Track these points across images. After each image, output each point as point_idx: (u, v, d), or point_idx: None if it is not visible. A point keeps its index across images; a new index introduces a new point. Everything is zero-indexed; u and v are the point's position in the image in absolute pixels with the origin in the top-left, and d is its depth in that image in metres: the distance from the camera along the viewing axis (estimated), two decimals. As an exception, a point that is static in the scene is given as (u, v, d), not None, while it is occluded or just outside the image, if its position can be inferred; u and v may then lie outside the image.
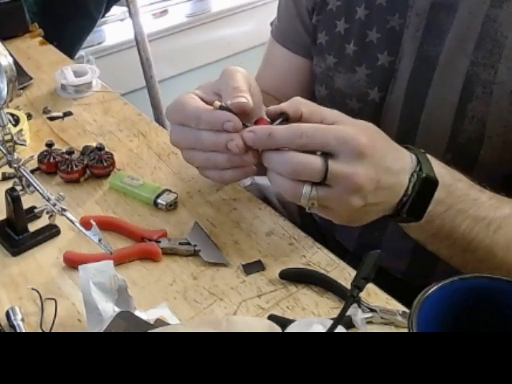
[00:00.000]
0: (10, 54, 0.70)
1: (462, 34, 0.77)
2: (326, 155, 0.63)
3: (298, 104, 0.67)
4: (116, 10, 2.17)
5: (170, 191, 0.86)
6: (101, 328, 0.62)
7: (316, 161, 0.63)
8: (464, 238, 0.70)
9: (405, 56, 0.81)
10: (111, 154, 0.91)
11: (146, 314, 0.67)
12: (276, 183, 0.65)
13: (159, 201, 0.84)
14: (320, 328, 0.60)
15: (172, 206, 0.85)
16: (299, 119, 0.66)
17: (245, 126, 0.67)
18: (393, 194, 0.67)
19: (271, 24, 0.98)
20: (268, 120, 0.68)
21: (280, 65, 0.94)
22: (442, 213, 0.68)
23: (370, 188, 0.64)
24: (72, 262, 0.75)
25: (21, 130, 0.94)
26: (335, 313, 0.69)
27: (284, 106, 0.67)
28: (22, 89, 1.11)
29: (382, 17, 0.82)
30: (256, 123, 0.68)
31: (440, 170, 0.69)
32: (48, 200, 0.73)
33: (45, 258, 0.77)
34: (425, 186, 0.67)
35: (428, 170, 0.67)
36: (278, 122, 0.67)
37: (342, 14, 0.85)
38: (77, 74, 1.11)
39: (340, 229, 0.98)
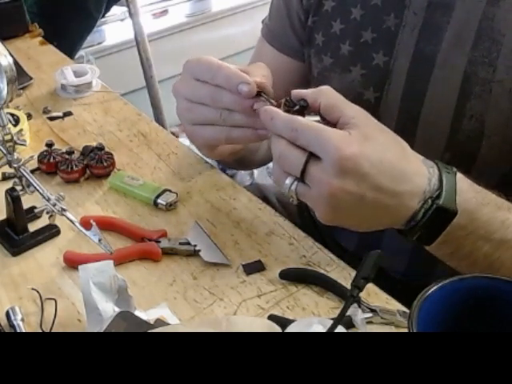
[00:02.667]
0: (10, 54, 0.70)
1: (459, 32, 0.76)
2: (314, 155, 0.62)
3: (319, 94, 0.65)
4: (116, 10, 2.17)
5: (169, 191, 0.86)
6: (101, 328, 0.61)
7: (297, 156, 0.62)
8: (485, 259, 0.67)
9: (400, 56, 0.81)
10: (111, 154, 0.91)
11: (146, 314, 0.67)
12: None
13: (159, 201, 0.84)
14: (320, 328, 0.60)
15: (172, 206, 0.85)
16: (318, 109, 0.65)
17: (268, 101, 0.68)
18: (391, 215, 0.64)
19: (262, 22, 0.99)
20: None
21: (265, 62, 0.95)
22: (461, 237, 0.65)
23: (349, 201, 0.62)
24: (72, 262, 0.75)
25: (21, 130, 0.94)
26: (335, 313, 0.69)
27: (307, 92, 0.66)
28: (22, 89, 1.11)
29: (377, 17, 0.81)
30: (279, 106, 0.67)
31: (466, 196, 0.65)
32: (48, 200, 0.73)
33: (45, 258, 0.77)
34: (439, 216, 0.63)
35: (447, 198, 0.63)
36: (295, 108, 0.65)
37: (338, 15, 0.85)
38: (77, 74, 1.12)
39: (339, 229, 0.97)
